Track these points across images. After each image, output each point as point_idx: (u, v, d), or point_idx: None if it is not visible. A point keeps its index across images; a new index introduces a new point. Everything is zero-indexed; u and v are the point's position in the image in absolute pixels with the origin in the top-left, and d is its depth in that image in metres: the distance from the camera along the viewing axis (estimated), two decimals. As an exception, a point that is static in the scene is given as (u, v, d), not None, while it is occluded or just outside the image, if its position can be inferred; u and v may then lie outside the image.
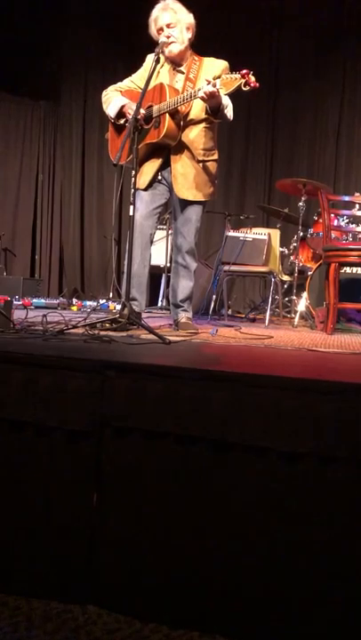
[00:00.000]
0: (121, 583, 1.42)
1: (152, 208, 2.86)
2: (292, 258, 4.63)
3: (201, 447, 1.37)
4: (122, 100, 2.82)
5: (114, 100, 2.84)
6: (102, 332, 2.23)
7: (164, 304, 5.03)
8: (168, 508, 1.40)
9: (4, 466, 1.50)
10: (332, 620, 1.28)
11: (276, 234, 4.30)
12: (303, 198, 4.47)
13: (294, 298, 4.41)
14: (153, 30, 2.80)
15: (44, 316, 2.38)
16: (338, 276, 3.28)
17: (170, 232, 4.79)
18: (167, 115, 2.68)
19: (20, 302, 4.08)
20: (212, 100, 2.56)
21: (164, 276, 5.10)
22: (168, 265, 4.83)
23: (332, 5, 6.02)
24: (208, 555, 1.36)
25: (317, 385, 1.34)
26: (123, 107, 2.80)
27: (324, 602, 1.29)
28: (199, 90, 2.53)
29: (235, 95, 2.54)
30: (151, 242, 2.94)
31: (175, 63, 2.84)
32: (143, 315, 2.89)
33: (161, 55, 2.72)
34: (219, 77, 2.47)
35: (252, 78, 2.38)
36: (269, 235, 4.12)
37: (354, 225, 4.17)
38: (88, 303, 4.56)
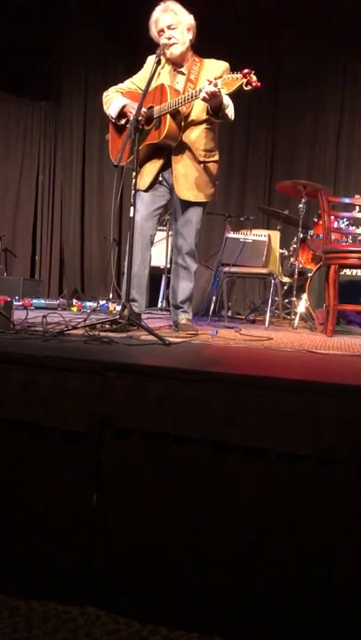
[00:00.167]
0: (120, 584, 1.42)
1: (152, 209, 2.87)
2: (292, 259, 4.63)
3: (201, 448, 1.37)
4: (123, 100, 2.82)
5: (115, 100, 2.85)
6: (102, 333, 2.23)
7: (163, 305, 5.03)
8: (168, 508, 1.40)
9: (4, 466, 1.50)
10: (333, 621, 1.28)
11: (276, 235, 4.30)
12: (303, 200, 4.47)
13: (294, 299, 4.41)
14: (154, 32, 2.80)
15: (44, 316, 2.38)
16: (338, 278, 3.28)
17: (170, 233, 4.79)
18: (168, 115, 2.68)
19: (20, 303, 4.08)
20: (214, 100, 2.57)
21: (164, 277, 5.10)
22: (168, 266, 4.83)
23: (333, 7, 6.03)
24: (208, 556, 1.36)
25: (317, 386, 1.34)
26: (124, 107, 2.80)
27: (324, 602, 1.29)
28: (200, 90, 2.53)
29: (235, 96, 2.54)
30: (151, 243, 2.94)
31: (176, 64, 2.84)
32: (143, 316, 2.90)
33: (162, 56, 2.72)
34: (220, 77, 2.48)
35: (254, 77, 2.39)
36: (269, 236, 4.12)
37: (354, 227, 4.18)
38: (88, 304, 4.56)
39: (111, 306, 4.22)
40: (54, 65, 6.83)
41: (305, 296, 4.14)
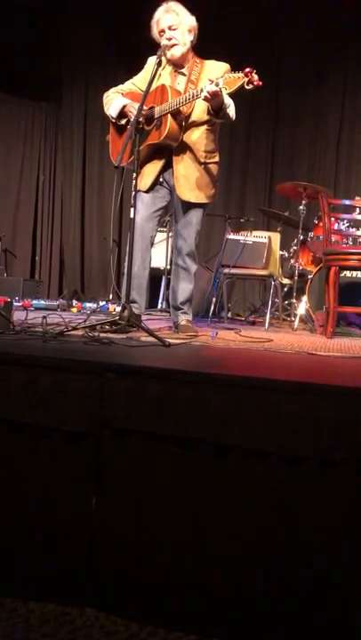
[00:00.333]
0: (120, 585, 1.41)
1: (153, 210, 2.87)
2: (292, 261, 4.63)
3: (201, 449, 1.37)
4: (124, 100, 2.82)
5: (115, 100, 2.85)
6: (102, 334, 2.23)
7: (163, 306, 5.03)
8: (167, 509, 1.40)
9: (3, 466, 1.50)
10: (333, 621, 1.28)
11: (276, 237, 4.30)
12: (304, 202, 4.47)
13: (294, 301, 4.41)
14: (155, 32, 2.80)
15: (44, 317, 2.38)
16: (338, 280, 3.28)
17: (170, 234, 4.79)
18: (169, 115, 2.68)
19: (20, 303, 4.08)
20: (215, 100, 2.57)
21: (164, 278, 5.10)
22: (168, 267, 4.83)
23: (334, 9, 6.04)
24: (207, 557, 1.36)
25: (317, 388, 1.34)
26: (124, 107, 2.80)
27: (324, 603, 1.29)
28: (202, 90, 2.53)
29: (235, 96, 2.54)
30: (152, 244, 2.94)
31: (177, 65, 2.84)
32: (143, 317, 2.89)
33: (163, 57, 2.72)
34: (222, 77, 2.48)
35: (256, 76, 2.38)
36: (270, 238, 4.12)
37: (354, 229, 4.18)
38: (88, 305, 4.56)
39: (111, 307, 4.22)
40: (55, 66, 6.84)
41: (305, 298, 4.14)
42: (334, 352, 2.34)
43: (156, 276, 4.85)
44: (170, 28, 2.74)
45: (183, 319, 2.91)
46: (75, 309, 4.29)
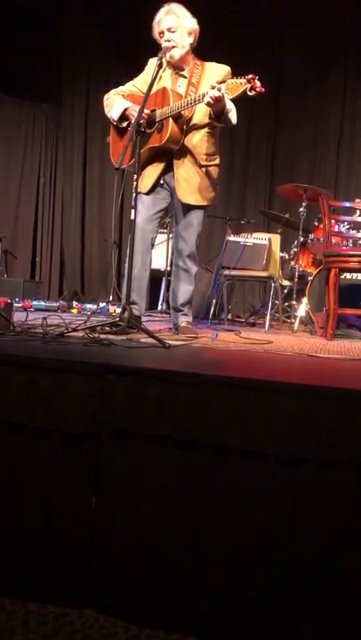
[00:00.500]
0: (119, 587, 1.41)
1: (153, 212, 2.87)
2: (292, 263, 4.63)
3: (200, 451, 1.37)
4: (125, 103, 2.83)
5: (117, 102, 2.85)
6: (102, 336, 2.23)
7: (164, 308, 5.03)
8: (167, 511, 1.40)
9: (3, 467, 1.50)
10: (333, 621, 1.28)
11: (276, 239, 4.30)
12: (304, 204, 4.48)
13: (294, 303, 4.41)
14: (155, 33, 2.81)
15: (44, 318, 2.38)
16: (338, 282, 3.28)
17: (170, 236, 4.80)
18: (170, 119, 2.69)
19: (20, 304, 4.08)
20: (218, 105, 2.57)
21: (164, 279, 5.10)
22: (168, 268, 4.83)
23: (334, 12, 6.05)
24: (207, 559, 1.36)
25: (317, 390, 1.34)
26: (126, 109, 2.80)
27: (324, 603, 1.29)
28: (204, 95, 2.53)
29: (236, 100, 2.54)
30: (152, 246, 2.94)
31: (177, 67, 2.85)
32: (143, 318, 2.89)
33: (163, 59, 2.72)
34: (223, 82, 2.48)
35: (258, 83, 2.38)
36: (270, 239, 4.12)
37: (354, 231, 4.18)
38: (88, 306, 4.56)
39: (111, 308, 4.22)
40: (55, 67, 6.85)
41: (305, 299, 4.14)
42: (334, 354, 2.34)
43: (156, 278, 4.85)
44: (169, 30, 2.74)
45: (183, 321, 2.91)
46: (75, 310, 4.29)
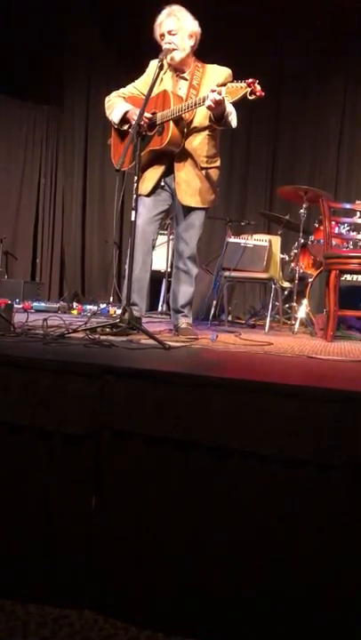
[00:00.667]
0: (119, 588, 1.41)
1: (154, 214, 2.87)
2: (292, 264, 4.63)
3: (200, 452, 1.37)
4: (126, 105, 2.83)
5: (118, 105, 2.85)
6: (102, 337, 2.23)
7: (164, 309, 5.03)
8: (167, 511, 1.40)
9: (4, 468, 1.50)
10: (333, 621, 1.28)
11: (276, 240, 4.31)
12: (304, 205, 4.48)
13: (294, 304, 4.41)
14: (157, 35, 2.81)
15: (45, 319, 2.38)
16: (338, 284, 3.28)
17: (171, 237, 4.80)
18: (171, 122, 2.69)
19: (21, 305, 4.08)
20: (218, 108, 2.57)
21: (164, 280, 5.11)
22: (169, 270, 4.84)
23: (335, 14, 6.06)
24: (207, 559, 1.36)
25: (317, 392, 1.34)
26: (127, 112, 2.81)
27: (324, 603, 1.29)
28: (205, 99, 2.54)
29: (237, 103, 2.54)
30: (153, 247, 2.95)
31: (178, 70, 2.85)
32: (143, 319, 2.90)
33: (164, 61, 2.73)
34: (223, 85, 2.48)
35: (258, 87, 2.39)
36: (270, 241, 4.13)
37: (355, 232, 4.18)
38: (88, 307, 4.56)
39: (111, 309, 4.22)
40: (56, 69, 6.85)
41: (305, 301, 4.14)
42: (334, 355, 2.34)
43: (156, 279, 4.85)
44: (170, 33, 2.75)
45: (183, 322, 2.91)
46: (75, 312, 4.30)
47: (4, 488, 1.50)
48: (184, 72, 2.85)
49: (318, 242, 4.53)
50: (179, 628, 1.35)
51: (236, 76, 2.62)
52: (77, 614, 1.40)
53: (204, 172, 2.83)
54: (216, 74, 2.77)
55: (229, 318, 4.82)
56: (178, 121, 2.72)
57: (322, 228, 3.86)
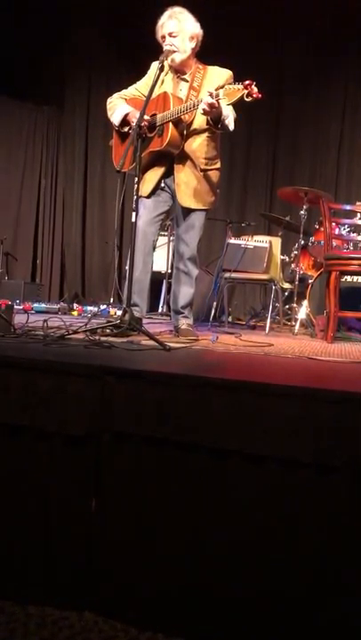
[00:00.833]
0: (119, 589, 1.41)
1: (155, 215, 2.87)
2: (292, 266, 4.63)
3: (200, 453, 1.37)
4: (126, 107, 2.84)
5: (118, 107, 2.86)
6: (103, 338, 2.23)
7: (164, 310, 5.03)
8: (167, 512, 1.40)
9: (3, 469, 1.50)
10: (333, 621, 1.28)
11: (277, 242, 4.31)
12: (305, 206, 4.48)
13: (295, 305, 4.41)
14: (158, 36, 2.82)
15: (45, 320, 2.38)
16: (338, 285, 3.28)
17: (171, 238, 4.80)
18: (170, 123, 2.69)
19: (21, 307, 4.08)
20: (213, 112, 2.57)
21: (164, 281, 5.11)
22: (169, 271, 4.84)
23: (335, 14, 6.06)
24: (207, 563, 1.36)
25: (317, 393, 1.34)
26: (127, 114, 2.82)
27: (324, 604, 1.29)
28: (197, 104, 2.54)
29: (238, 104, 2.55)
30: (153, 248, 2.95)
31: (179, 71, 2.85)
32: (143, 320, 2.90)
33: (165, 63, 2.73)
34: (222, 87, 2.48)
35: (255, 89, 2.39)
36: (271, 242, 4.13)
37: (355, 234, 4.18)
38: (89, 308, 4.56)
39: (112, 310, 4.22)
40: (57, 69, 6.86)
41: (305, 302, 4.15)
42: (335, 357, 2.34)
43: (157, 280, 4.85)
44: (170, 35, 2.75)
45: (184, 323, 2.91)
46: (75, 313, 4.30)
47: (5, 489, 1.50)
48: (185, 74, 2.85)
49: (319, 243, 4.53)
50: (179, 629, 1.35)
51: (237, 77, 2.62)
52: (77, 615, 1.40)
53: (203, 173, 2.83)
54: (217, 75, 2.78)
55: (230, 319, 4.82)
56: (177, 122, 2.72)
57: (322, 229, 3.86)
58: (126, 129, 2.86)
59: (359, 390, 1.35)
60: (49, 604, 1.42)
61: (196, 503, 1.38)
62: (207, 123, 2.72)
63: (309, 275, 4.54)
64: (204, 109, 2.53)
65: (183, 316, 2.94)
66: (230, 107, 2.63)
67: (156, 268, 4.41)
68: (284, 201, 5.36)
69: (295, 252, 4.59)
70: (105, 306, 4.64)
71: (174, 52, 2.75)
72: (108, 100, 2.95)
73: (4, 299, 2.61)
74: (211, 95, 2.48)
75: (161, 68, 2.65)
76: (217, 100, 2.49)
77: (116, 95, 2.94)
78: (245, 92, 2.39)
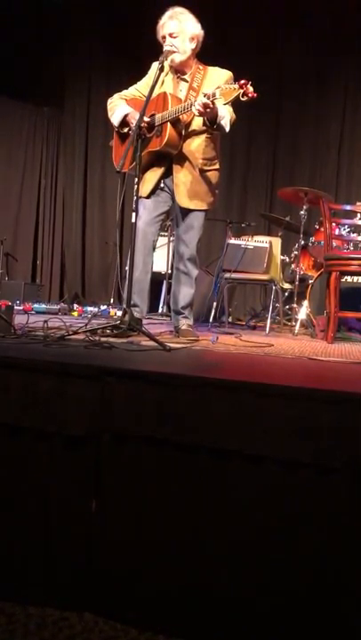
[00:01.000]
0: (119, 591, 1.41)
1: (155, 215, 2.87)
2: (293, 266, 4.63)
3: (200, 453, 1.37)
4: (126, 108, 2.84)
5: (118, 108, 2.86)
6: (103, 339, 2.23)
7: (164, 310, 5.03)
8: (167, 513, 1.40)
9: (3, 469, 1.50)
10: (333, 621, 1.28)
11: (277, 242, 4.31)
12: (305, 207, 4.48)
13: (295, 306, 4.41)
14: (159, 36, 2.82)
15: (45, 321, 2.38)
16: (339, 285, 3.28)
17: (171, 239, 4.80)
18: (168, 123, 2.69)
19: (21, 307, 4.08)
20: (208, 113, 2.57)
21: (165, 282, 5.11)
22: (169, 271, 4.84)
23: (335, 17, 6.07)
24: (207, 564, 1.36)
25: (317, 394, 1.34)
26: (126, 115, 2.82)
27: (324, 605, 1.29)
28: (192, 105, 2.55)
29: (237, 104, 2.55)
30: (153, 248, 2.95)
31: (179, 72, 2.86)
32: (144, 321, 2.90)
33: (165, 63, 2.73)
34: (218, 88, 2.48)
35: (251, 89, 2.39)
36: (271, 243, 4.13)
37: (355, 234, 4.18)
38: (89, 309, 4.57)
39: (112, 311, 4.22)
40: (57, 70, 6.86)
41: (306, 303, 4.14)
42: (335, 357, 2.34)
43: (157, 281, 4.85)
44: (170, 35, 2.75)
45: (184, 323, 2.91)
46: (75, 313, 4.30)
47: (5, 489, 1.50)
48: (185, 74, 2.85)
49: (319, 243, 4.53)
50: (180, 630, 1.35)
51: (237, 78, 2.61)
52: (78, 616, 1.40)
53: (202, 174, 2.83)
54: (217, 76, 2.78)
55: (230, 320, 4.82)
56: (175, 123, 2.72)
57: (322, 229, 3.86)
58: (126, 130, 2.86)
59: (359, 390, 1.35)
60: (49, 604, 1.42)
61: (196, 503, 1.38)
62: (204, 124, 2.72)
63: (310, 275, 4.54)
64: (198, 110, 2.52)
65: (183, 317, 2.94)
66: (229, 108, 2.62)
67: (156, 269, 4.40)
68: (284, 201, 5.36)
69: (295, 253, 4.59)
70: (105, 306, 4.64)
71: (174, 52, 2.75)
72: (109, 101, 2.95)
73: (4, 299, 2.61)
74: (206, 96, 2.48)
75: (161, 69, 2.65)
76: (212, 101, 2.48)
77: (116, 96, 2.95)
78: (241, 91, 2.39)
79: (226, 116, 2.67)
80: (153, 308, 4.90)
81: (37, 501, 1.47)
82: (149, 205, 2.85)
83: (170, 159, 2.82)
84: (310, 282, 4.28)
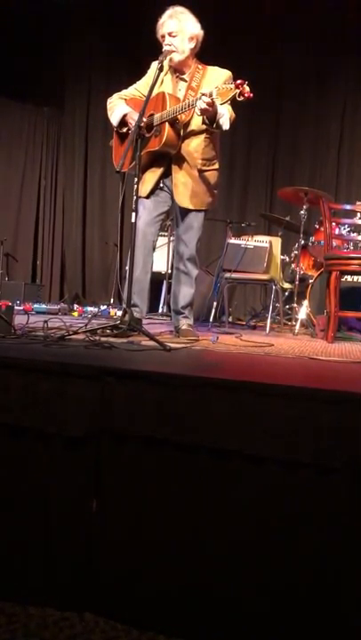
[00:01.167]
0: (119, 591, 1.41)
1: (154, 215, 2.87)
2: (293, 266, 4.63)
3: (200, 454, 1.37)
4: (125, 108, 2.84)
5: (117, 108, 2.87)
6: (103, 339, 2.23)
7: (164, 310, 5.03)
8: (167, 513, 1.40)
9: (4, 469, 1.50)
10: (333, 621, 1.28)
11: (277, 242, 4.31)
12: (305, 206, 4.48)
13: (295, 306, 4.41)
14: (158, 35, 2.82)
15: (45, 321, 2.39)
16: (339, 285, 3.28)
17: (171, 239, 4.80)
18: (167, 123, 2.70)
19: (21, 307, 4.08)
20: (208, 113, 2.57)
21: (165, 282, 5.11)
22: (169, 271, 4.84)
23: (335, 17, 6.07)
24: (207, 564, 1.36)
25: (317, 393, 1.34)
26: (125, 115, 2.82)
27: (324, 605, 1.29)
28: (193, 104, 2.55)
29: (236, 104, 2.55)
30: (153, 248, 2.95)
31: (178, 71, 2.86)
32: (144, 321, 2.90)
33: (165, 63, 2.73)
34: (216, 88, 2.48)
35: (247, 89, 2.39)
36: (271, 242, 4.13)
37: (355, 234, 4.18)
38: (89, 309, 4.57)
39: (112, 311, 4.22)
40: (57, 70, 6.87)
41: (306, 302, 4.14)
42: (335, 357, 2.34)
43: (157, 281, 4.85)
44: (170, 35, 2.75)
45: (184, 323, 2.91)
46: (76, 313, 4.30)
47: (5, 489, 1.50)
48: (184, 73, 2.85)
49: (319, 243, 4.53)
50: (180, 630, 1.35)
51: (236, 78, 2.61)
52: (78, 616, 1.40)
53: (201, 174, 2.83)
54: (216, 76, 2.78)
55: (230, 320, 4.82)
56: (174, 122, 2.73)
57: (322, 229, 3.86)
58: (125, 129, 2.87)
59: (359, 390, 1.35)
60: (49, 604, 1.42)
61: (196, 503, 1.38)
62: (203, 122, 2.72)
63: (310, 275, 4.54)
64: (201, 109, 2.52)
65: (183, 317, 2.94)
66: (227, 106, 2.63)
67: (156, 269, 4.40)
68: (284, 201, 5.36)
69: (295, 252, 4.59)
70: (105, 306, 4.64)
71: (173, 51, 2.75)
72: (108, 101, 2.96)
73: (4, 300, 2.61)
74: (207, 96, 2.48)
75: (160, 68, 2.65)
76: (212, 100, 2.49)
77: (115, 95, 2.95)
78: (237, 91, 2.39)
79: (225, 114, 2.68)
80: (153, 307, 4.90)
81: (37, 501, 1.47)
82: (149, 205, 2.86)
83: (169, 159, 2.82)
84: (310, 281, 4.28)
